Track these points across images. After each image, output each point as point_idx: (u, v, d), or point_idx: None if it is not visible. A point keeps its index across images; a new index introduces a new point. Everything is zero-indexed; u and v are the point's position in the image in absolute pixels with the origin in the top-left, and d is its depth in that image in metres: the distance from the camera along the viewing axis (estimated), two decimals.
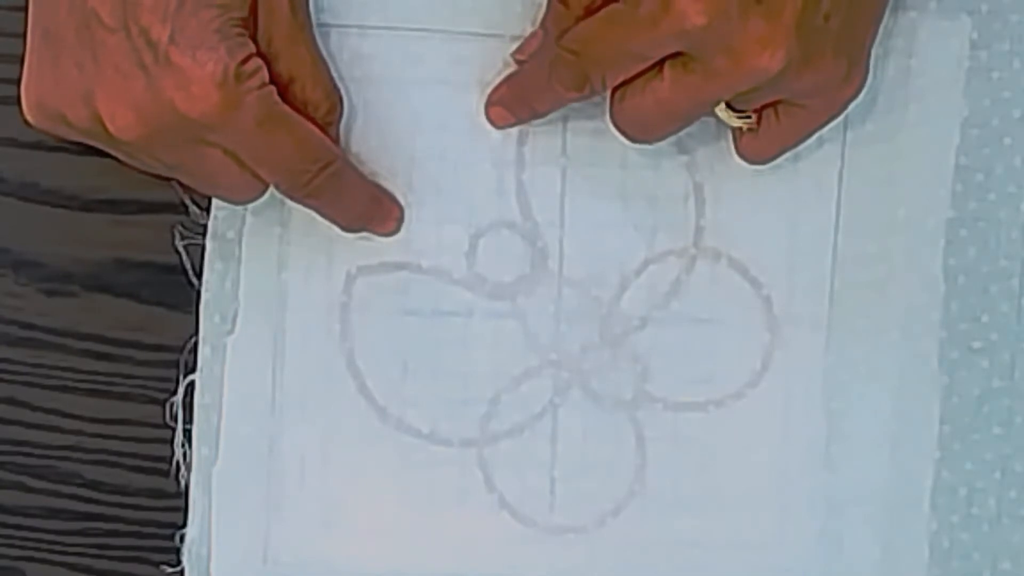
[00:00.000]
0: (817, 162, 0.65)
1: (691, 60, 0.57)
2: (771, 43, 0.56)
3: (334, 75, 0.61)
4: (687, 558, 0.66)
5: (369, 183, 0.63)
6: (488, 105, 0.64)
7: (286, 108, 0.58)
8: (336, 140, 0.62)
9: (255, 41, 0.57)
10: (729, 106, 0.60)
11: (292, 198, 0.60)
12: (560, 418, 0.65)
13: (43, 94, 0.57)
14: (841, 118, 0.62)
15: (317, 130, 0.59)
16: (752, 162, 0.63)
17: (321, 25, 0.62)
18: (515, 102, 0.63)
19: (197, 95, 0.55)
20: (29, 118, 0.58)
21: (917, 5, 0.64)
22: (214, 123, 0.55)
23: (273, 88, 0.57)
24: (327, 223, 0.63)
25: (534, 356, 0.65)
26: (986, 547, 0.66)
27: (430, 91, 0.64)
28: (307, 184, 0.59)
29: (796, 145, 0.62)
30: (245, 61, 0.55)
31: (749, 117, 0.61)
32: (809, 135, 0.62)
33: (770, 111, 0.60)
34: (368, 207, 0.63)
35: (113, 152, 0.58)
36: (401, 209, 0.64)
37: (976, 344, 0.66)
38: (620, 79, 0.59)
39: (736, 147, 0.62)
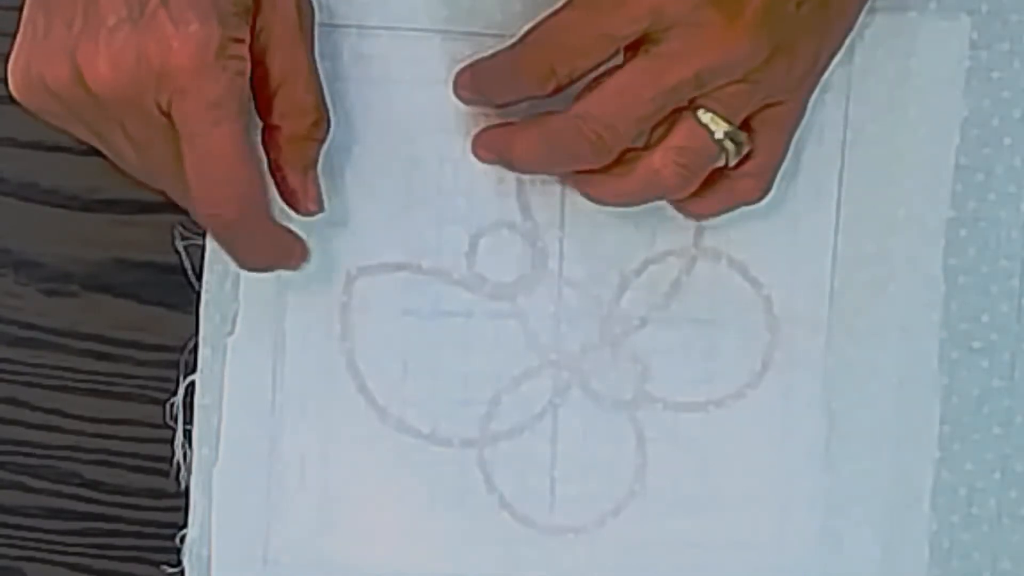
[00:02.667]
0: (817, 162, 0.65)
1: (652, 46, 0.56)
2: (736, 25, 0.56)
3: (334, 74, 0.61)
4: (687, 558, 0.66)
5: (278, 229, 0.60)
6: (454, 87, 0.63)
7: (245, 120, 0.56)
8: (314, 162, 0.60)
9: (254, 37, 0.57)
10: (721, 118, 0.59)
11: (198, 219, 0.58)
12: (560, 418, 0.65)
13: (29, 59, 0.56)
14: (841, 117, 0.62)
15: (254, 170, 0.57)
16: (758, 199, 0.62)
17: (321, 25, 0.62)
18: (474, 89, 0.62)
19: (175, 49, 0.54)
20: (13, 90, 0.57)
21: (917, 5, 0.64)
22: (179, 82, 0.54)
23: (247, 87, 0.56)
24: (327, 223, 0.63)
25: (534, 356, 0.65)
26: (986, 547, 0.66)
27: (430, 91, 0.64)
28: (214, 217, 0.57)
29: (782, 159, 0.62)
30: (234, 41, 0.55)
31: (741, 137, 0.60)
32: (790, 139, 0.61)
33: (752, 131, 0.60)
34: (270, 256, 0.60)
35: (86, 126, 0.57)
36: (305, 247, 0.61)
37: (976, 344, 0.66)
38: (587, 67, 0.58)
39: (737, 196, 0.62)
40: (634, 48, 0.57)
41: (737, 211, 0.64)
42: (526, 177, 0.64)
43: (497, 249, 0.65)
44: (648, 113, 0.58)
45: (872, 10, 0.64)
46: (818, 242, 0.65)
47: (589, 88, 0.58)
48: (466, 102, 0.63)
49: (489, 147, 0.63)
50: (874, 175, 0.65)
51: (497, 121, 0.63)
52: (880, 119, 0.65)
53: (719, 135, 0.59)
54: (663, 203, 0.64)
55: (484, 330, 0.65)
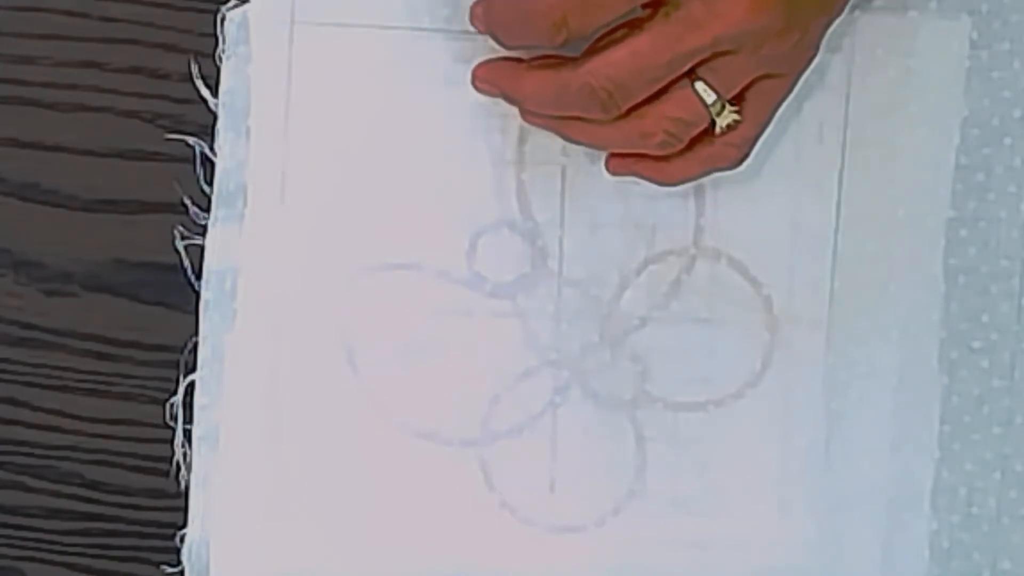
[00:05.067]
0: (817, 162, 0.65)
1: (672, 9, 0.56)
2: None
3: (333, 74, 0.61)
4: (687, 558, 0.66)
5: None
6: (470, 16, 0.61)
7: None
8: None
9: None
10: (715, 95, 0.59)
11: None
12: (560, 418, 0.65)
13: None
14: (841, 117, 0.62)
15: None
16: (735, 166, 0.62)
17: (321, 25, 0.62)
18: (486, 24, 0.60)
19: None
20: None
21: (917, 5, 0.64)
22: None
23: None
24: (327, 222, 0.63)
25: (534, 356, 0.65)
26: (986, 547, 0.66)
27: (430, 91, 0.64)
28: None
29: (765, 129, 0.61)
30: None
31: (734, 105, 0.59)
32: (775, 112, 0.61)
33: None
34: None
35: None
36: None
37: (976, 344, 0.66)
38: (600, 23, 0.57)
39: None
40: (653, 6, 0.57)
41: (737, 211, 0.64)
42: (526, 177, 0.64)
43: (497, 249, 0.65)
44: (661, 75, 0.57)
45: (872, 10, 0.64)
46: (818, 242, 0.65)
47: (603, 45, 0.58)
48: (482, 32, 0.61)
49: (492, 81, 0.62)
50: (874, 175, 0.65)
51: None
52: (880, 119, 0.65)
53: (715, 108, 0.58)
54: (662, 203, 0.65)
55: (484, 330, 0.65)
